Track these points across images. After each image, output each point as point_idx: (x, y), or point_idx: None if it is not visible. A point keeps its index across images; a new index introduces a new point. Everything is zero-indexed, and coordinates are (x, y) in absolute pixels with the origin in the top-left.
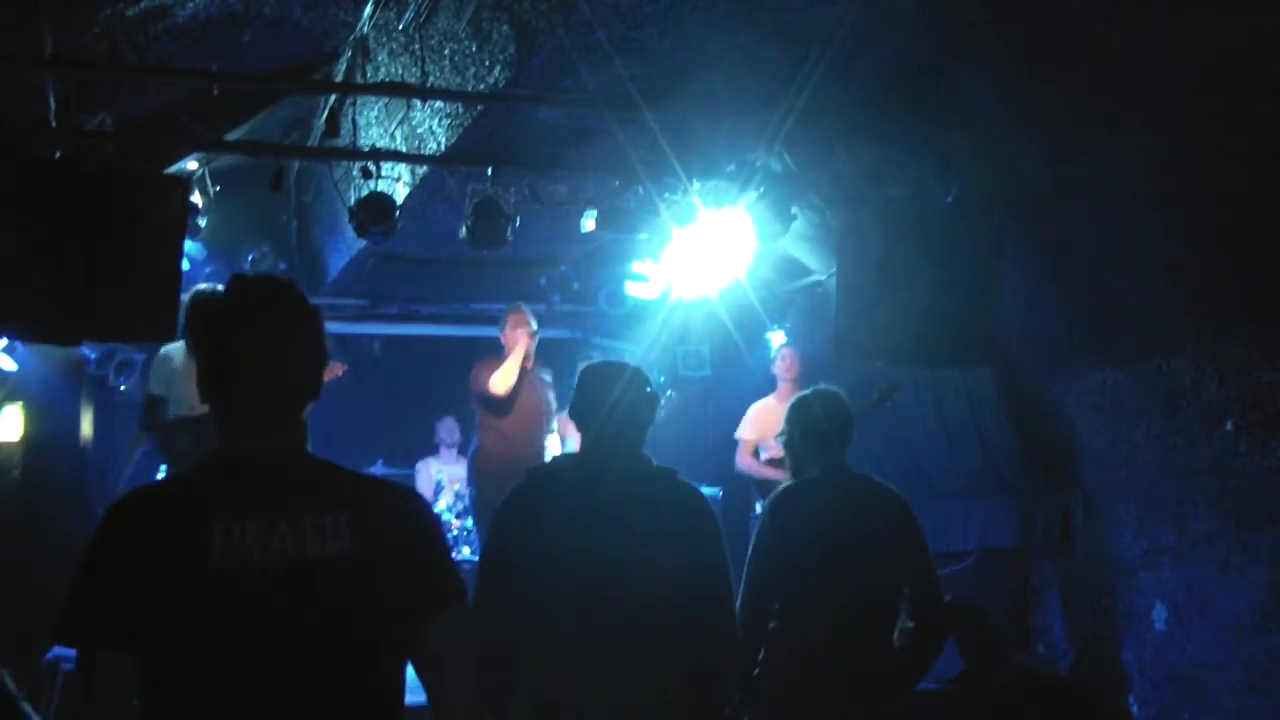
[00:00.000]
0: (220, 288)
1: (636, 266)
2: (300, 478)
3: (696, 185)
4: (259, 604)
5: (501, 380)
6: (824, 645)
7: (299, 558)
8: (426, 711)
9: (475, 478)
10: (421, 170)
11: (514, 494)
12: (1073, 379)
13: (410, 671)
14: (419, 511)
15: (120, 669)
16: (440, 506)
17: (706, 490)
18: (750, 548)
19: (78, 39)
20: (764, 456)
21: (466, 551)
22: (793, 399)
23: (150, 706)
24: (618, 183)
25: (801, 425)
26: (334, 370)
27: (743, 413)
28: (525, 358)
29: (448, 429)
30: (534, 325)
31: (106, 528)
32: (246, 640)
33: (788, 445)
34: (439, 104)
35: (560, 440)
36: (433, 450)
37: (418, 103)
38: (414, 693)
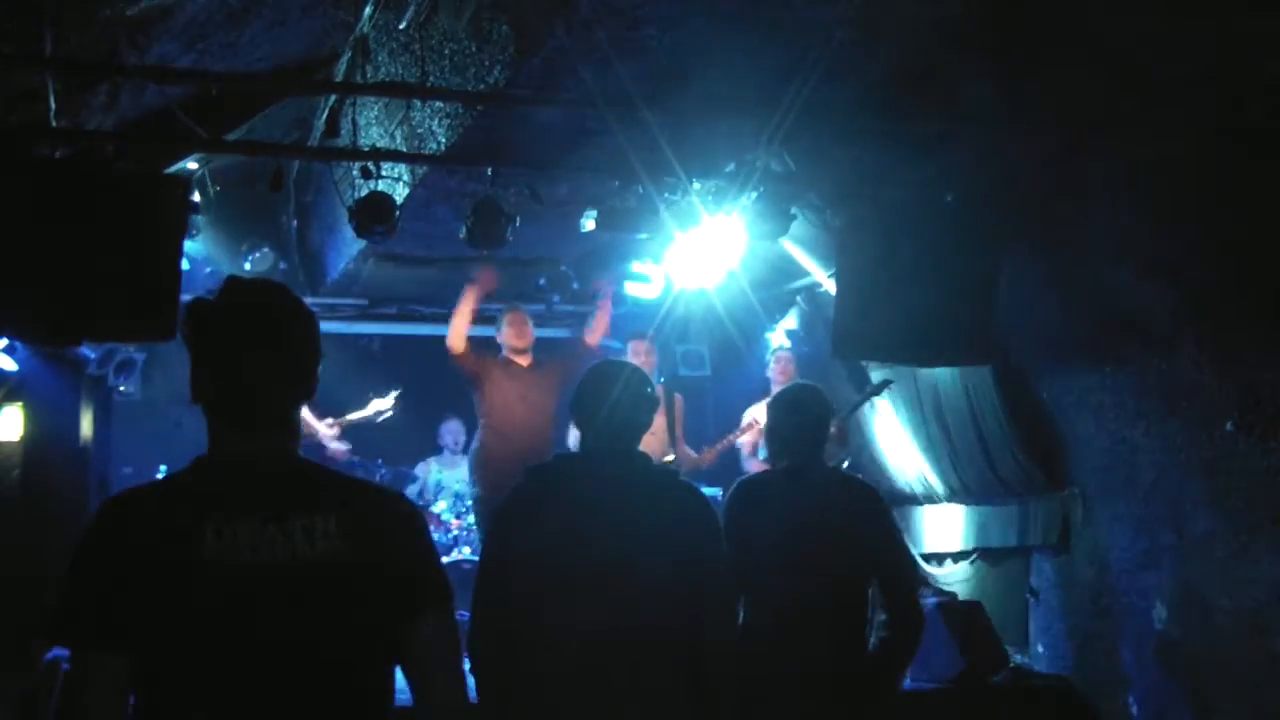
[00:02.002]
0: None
1: (636, 266)
2: (290, 479)
3: (696, 185)
4: (249, 605)
5: (450, 335)
6: (785, 641)
7: (289, 559)
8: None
9: (475, 475)
10: (421, 170)
11: (513, 494)
12: (1073, 379)
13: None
14: (406, 514)
15: (110, 669)
16: (441, 507)
17: (706, 490)
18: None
19: (78, 39)
20: (762, 455)
21: (467, 551)
22: (778, 392)
23: (141, 707)
24: (618, 183)
25: (787, 418)
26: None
27: (743, 412)
28: (521, 353)
29: (451, 431)
30: (527, 320)
31: (96, 527)
32: (236, 641)
33: (770, 434)
34: (439, 104)
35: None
36: (435, 451)
37: (418, 103)
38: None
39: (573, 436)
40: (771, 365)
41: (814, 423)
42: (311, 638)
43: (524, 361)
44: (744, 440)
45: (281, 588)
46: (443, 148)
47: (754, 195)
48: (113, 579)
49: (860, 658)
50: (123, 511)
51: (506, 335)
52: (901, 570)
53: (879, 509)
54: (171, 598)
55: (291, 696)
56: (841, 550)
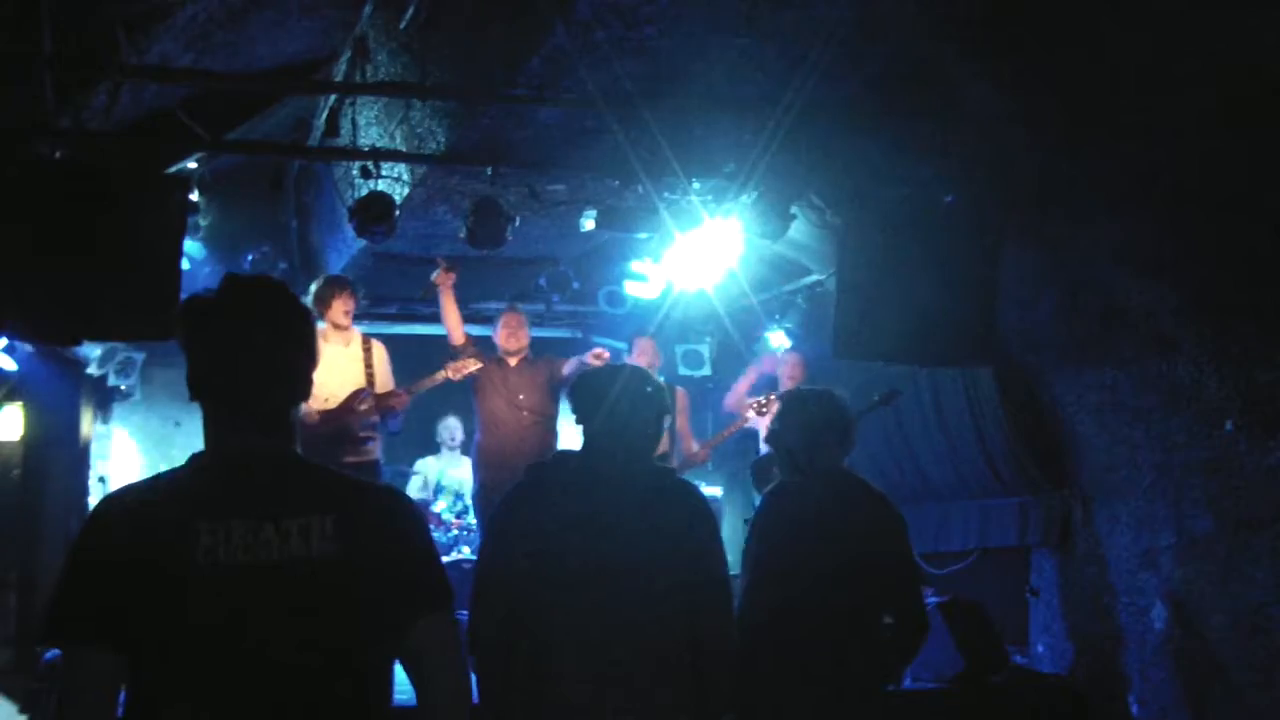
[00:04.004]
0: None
1: (636, 266)
2: (288, 479)
3: (696, 185)
4: (242, 605)
5: (448, 332)
6: (810, 647)
7: (285, 559)
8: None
9: (476, 470)
10: (421, 170)
11: (513, 492)
12: (1073, 379)
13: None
14: (406, 513)
15: (104, 668)
16: (440, 506)
17: (706, 490)
18: (744, 545)
19: (78, 38)
20: None
21: (466, 550)
22: (788, 396)
23: (134, 706)
24: (618, 183)
25: (801, 424)
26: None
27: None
28: (516, 354)
29: (449, 429)
30: (524, 323)
31: (92, 527)
32: (229, 641)
33: (777, 439)
34: (439, 104)
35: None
36: (434, 449)
37: (417, 103)
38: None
39: None
40: (781, 367)
41: (838, 430)
42: (307, 638)
43: (513, 362)
44: (761, 423)
45: (276, 588)
46: (442, 148)
47: (754, 195)
48: (104, 577)
49: (868, 661)
50: (116, 510)
51: (499, 337)
52: (913, 576)
53: (894, 516)
54: (163, 597)
55: (286, 697)
56: (863, 558)
